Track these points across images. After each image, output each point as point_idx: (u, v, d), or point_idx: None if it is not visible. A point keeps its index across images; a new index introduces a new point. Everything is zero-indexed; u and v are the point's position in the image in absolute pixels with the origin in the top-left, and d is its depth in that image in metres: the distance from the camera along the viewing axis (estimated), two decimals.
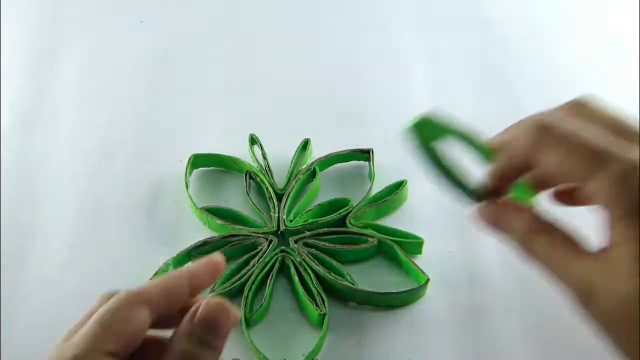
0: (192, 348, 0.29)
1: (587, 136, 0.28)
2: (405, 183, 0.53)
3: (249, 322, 0.45)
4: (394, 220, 0.53)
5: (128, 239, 0.51)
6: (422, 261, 0.49)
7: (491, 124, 0.61)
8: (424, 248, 0.49)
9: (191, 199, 0.53)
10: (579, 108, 0.32)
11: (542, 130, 0.30)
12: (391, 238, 0.49)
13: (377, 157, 0.56)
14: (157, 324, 0.31)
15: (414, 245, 0.49)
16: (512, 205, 0.33)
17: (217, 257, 0.33)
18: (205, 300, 0.30)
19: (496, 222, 0.33)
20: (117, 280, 0.48)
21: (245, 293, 0.46)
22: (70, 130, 0.60)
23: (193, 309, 0.30)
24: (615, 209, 0.27)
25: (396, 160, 0.57)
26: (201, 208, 0.52)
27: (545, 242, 0.30)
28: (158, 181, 0.55)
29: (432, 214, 0.53)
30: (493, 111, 0.63)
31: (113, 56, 0.67)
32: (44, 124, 0.60)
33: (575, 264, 0.29)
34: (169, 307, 0.31)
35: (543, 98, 0.63)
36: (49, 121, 0.60)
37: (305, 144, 0.56)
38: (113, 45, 0.68)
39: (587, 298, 0.28)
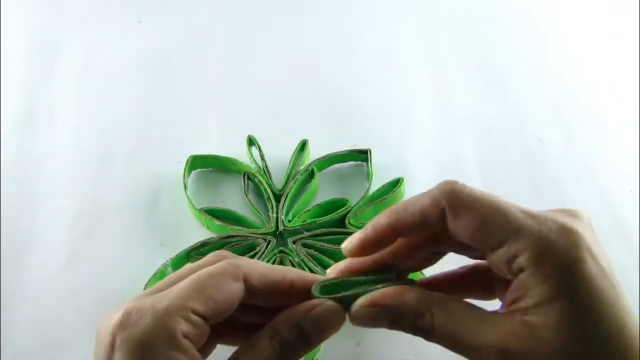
0: (290, 337, 0.29)
1: (498, 201, 0.28)
2: (402, 181, 0.53)
3: None
4: None
5: (127, 239, 0.51)
6: None
7: (490, 123, 0.62)
8: None
9: (190, 200, 0.53)
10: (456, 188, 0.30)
11: (452, 193, 0.29)
12: None
13: (374, 156, 0.56)
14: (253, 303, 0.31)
15: None
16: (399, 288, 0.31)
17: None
18: (325, 303, 0.30)
19: (381, 313, 0.30)
20: (117, 281, 0.49)
21: None
22: (69, 130, 0.60)
23: (308, 303, 0.30)
24: (536, 273, 0.27)
25: (393, 159, 0.57)
26: (200, 209, 0.52)
27: (444, 314, 0.29)
28: (157, 182, 0.55)
29: None
30: (492, 111, 0.63)
31: (112, 57, 0.67)
32: (43, 124, 0.60)
33: (485, 328, 0.28)
34: (265, 292, 0.31)
35: (543, 98, 0.64)
36: (49, 121, 0.60)
37: (303, 145, 0.56)
38: (112, 45, 0.68)
39: None
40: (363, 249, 0.31)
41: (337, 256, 0.49)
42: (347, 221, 0.51)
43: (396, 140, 0.59)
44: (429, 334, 0.30)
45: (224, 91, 0.64)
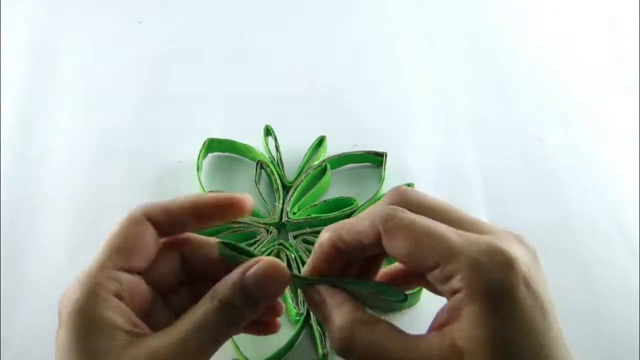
0: (234, 299, 0.29)
1: (434, 225, 0.28)
2: (412, 186, 0.53)
3: None
4: None
5: None
6: None
7: (493, 124, 0.61)
8: None
9: (200, 182, 0.53)
10: (402, 198, 0.30)
11: (387, 217, 0.28)
12: None
13: (390, 160, 0.55)
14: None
15: None
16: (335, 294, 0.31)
17: (239, 195, 0.33)
18: (264, 259, 0.30)
19: (317, 308, 0.31)
20: None
21: None
22: (70, 130, 0.59)
23: (248, 262, 0.30)
24: (467, 293, 0.26)
25: (408, 164, 0.57)
26: (209, 192, 0.52)
27: (368, 331, 0.29)
28: (156, 185, 0.55)
29: None
30: (494, 111, 0.63)
31: (113, 57, 0.66)
32: (44, 124, 0.60)
33: (410, 350, 0.27)
34: (170, 227, 0.32)
35: (545, 98, 0.63)
36: (50, 121, 0.60)
37: (320, 141, 0.56)
38: (112, 46, 0.67)
39: None
40: (317, 271, 0.31)
41: None
42: None
43: (413, 146, 0.59)
44: (347, 350, 0.29)
45: (228, 90, 0.63)
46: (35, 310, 0.47)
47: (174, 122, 0.60)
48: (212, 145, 0.56)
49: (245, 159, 0.57)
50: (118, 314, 0.28)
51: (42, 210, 0.53)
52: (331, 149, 0.56)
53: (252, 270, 0.29)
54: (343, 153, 0.56)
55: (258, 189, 0.53)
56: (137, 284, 0.30)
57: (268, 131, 0.57)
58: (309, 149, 0.56)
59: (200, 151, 0.55)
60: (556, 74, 0.66)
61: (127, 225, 0.30)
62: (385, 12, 0.71)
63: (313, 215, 0.51)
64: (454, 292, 0.27)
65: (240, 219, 0.50)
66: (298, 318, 0.45)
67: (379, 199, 0.52)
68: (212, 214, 0.32)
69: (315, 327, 0.45)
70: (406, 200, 0.30)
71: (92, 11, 0.71)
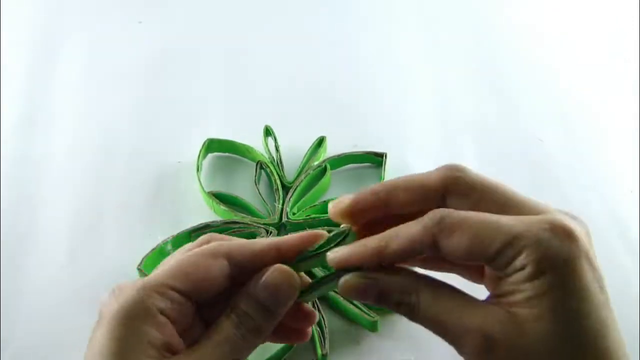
0: (249, 310, 0.30)
1: (489, 216, 0.28)
2: None
3: None
4: None
5: (129, 236, 0.51)
6: None
7: (492, 124, 0.61)
8: None
9: (200, 182, 0.53)
10: (454, 175, 0.30)
11: (440, 219, 0.28)
12: None
13: (389, 160, 0.55)
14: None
15: None
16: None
17: (319, 232, 0.32)
18: (274, 267, 0.30)
19: (371, 285, 0.30)
20: (118, 279, 0.48)
21: None
22: (70, 130, 0.59)
23: (261, 271, 0.30)
24: (532, 268, 0.26)
25: (408, 164, 0.57)
26: (208, 192, 0.52)
27: (432, 296, 0.29)
28: (157, 183, 0.55)
29: None
30: (493, 113, 0.63)
31: (113, 57, 0.66)
32: (44, 124, 0.60)
33: (470, 314, 0.28)
34: (253, 265, 0.31)
35: (543, 98, 0.64)
36: (50, 121, 0.60)
37: (320, 141, 0.56)
38: (113, 46, 0.67)
39: (485, 349, 0.27)
40: (352, 213, 0.31)
41: None
42: None
43: (413, 146, 0.59)
44: (413, 313, 0.29)
45: (228, 90, 0.63)
46: (35, 310, 0.47)
47: (174, 122, 0.60)
48: (212, 145, 0.56)
49: (245, 159, 0.57)
50: (158, 331, 0.28)
51: (42, 210, 0.53)
52: (331, 149, 0.56)
53: (262, 280, 0.30)
54: (343, 153, 0.56)
55: (258, 189, 0.53)
56: (186, 305, 0.30)
57: (268, 131, 0.57)
58: (308, 149, 0.56)
59: (200, 151, 0.55)
60: (556, 74, 0.66)
61: (204, 257, 0.30)
62: (385, 12, 0.72)
63: (313, 216, 0.51)
64: (517, 270, 0.27)
65: (240, 220, 0.50)
66: None
67: None
68: (293, 254, 0.32)
69: (315, 328, 0.45)
70: (458, 178, 0.30)
71: (92, 11, 0.71)
